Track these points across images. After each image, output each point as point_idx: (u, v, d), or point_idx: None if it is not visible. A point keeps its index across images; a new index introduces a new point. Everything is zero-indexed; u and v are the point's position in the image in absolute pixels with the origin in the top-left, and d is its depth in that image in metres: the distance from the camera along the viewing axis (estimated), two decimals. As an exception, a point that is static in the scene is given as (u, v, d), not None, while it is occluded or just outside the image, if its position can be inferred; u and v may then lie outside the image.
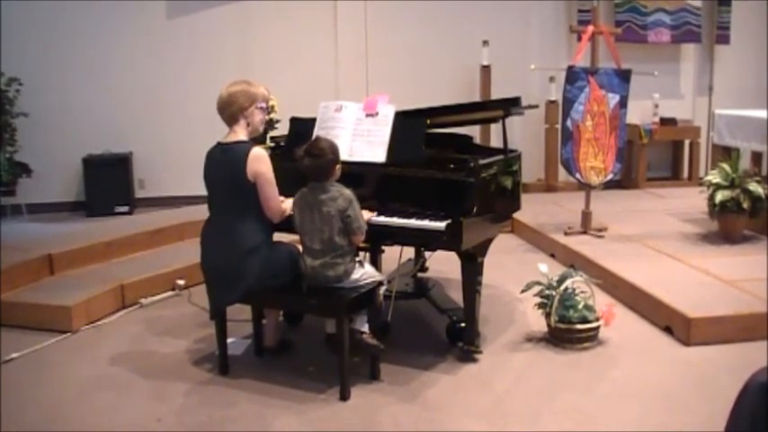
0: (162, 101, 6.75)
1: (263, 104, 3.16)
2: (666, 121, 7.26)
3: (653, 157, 7.44)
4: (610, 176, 5.21)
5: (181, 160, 6.58)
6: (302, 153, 2.95)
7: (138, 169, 6.81)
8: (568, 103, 5.07)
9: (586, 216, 5.28)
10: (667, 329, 3.61)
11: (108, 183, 6.46)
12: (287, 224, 3.11)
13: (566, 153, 5.15)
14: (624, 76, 5.08)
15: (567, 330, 3.43)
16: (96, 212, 6.38)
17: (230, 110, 3.07)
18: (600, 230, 5.23)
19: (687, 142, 7.43)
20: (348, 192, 2.95)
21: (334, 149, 2.99)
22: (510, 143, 3.58)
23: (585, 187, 5.29)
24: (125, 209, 6.52)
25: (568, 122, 5.10)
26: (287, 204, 3.11)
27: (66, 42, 6.52)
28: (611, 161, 5.15)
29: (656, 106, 7.14)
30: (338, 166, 3.00)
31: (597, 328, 3.47)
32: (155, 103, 6.75)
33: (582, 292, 3.55)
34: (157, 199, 6.73)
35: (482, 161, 3.22)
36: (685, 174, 7.47)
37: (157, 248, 4.92)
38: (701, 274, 4.13)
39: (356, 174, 3.24)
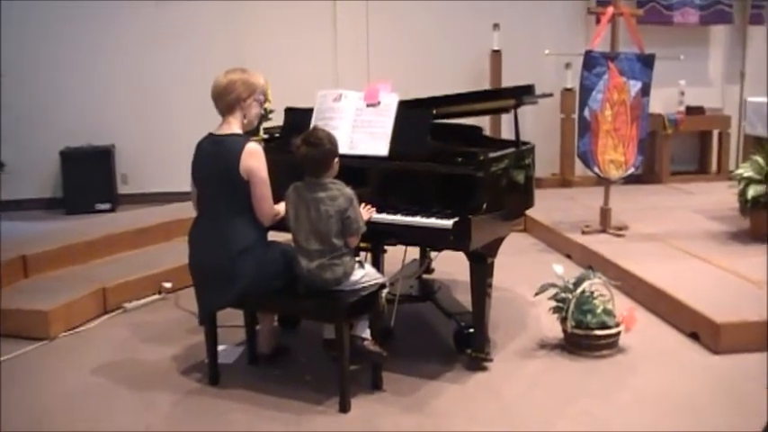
0: (147, 89, 6.78)
1: (262, 97, 3.19)
2: (693, 110, 7.25)
3: (678, 150, 7.44)
4: (631, 170, 5.22)
5: (167, 153, 6.61)
6: (299, 142, 2.97)
7: (121, 163, 6.84)
8: (586, 91, 5.08)
9: (605, 213, 5.30)
10: (693, 336, 3.63)
11: (88, 178, 6.50)
12: (281, 222, 3.13)
13: (583, 145, 5.16)
14: (647, 61, 5.08)
15: (584, 336, 3.45)
16: (75, 210, 6.42)
17: (227, 99, 3.09)
18: (620, 229, 5.25)
19: (716, 133, 7.43)
20: (349, 191, 2.98)
21: (333, 141, 3.01)
22: (522, 135, 3.60)
23: (604, 182, 5.30)
24: (107, 206, 6.55)
25: (586, 112, 5.11)
26: (281, 207, 3.12)
27: (43, 29, 6.54)
28: (632, 154, 5.17)
29: (682, 94, 7.12)
30: (337, 160, 3.02)
31: (617, 335, 3.49)
32: (139, 91, 6.77)
33: (600, 295, 3.56)
34: (142, 195, 6.77)
35: (492, 154, 3.25)
36: (713, 167, 7.47)
37: (142, 249, 4.95)
38: (729, 275, 4.14)
39: (356, 168, 3.26)
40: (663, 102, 7.07)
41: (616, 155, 5.16)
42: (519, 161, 3.53)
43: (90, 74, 6.67)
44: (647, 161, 6.39)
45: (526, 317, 3.99)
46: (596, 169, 5.20)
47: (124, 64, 6.71)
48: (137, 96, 6.77)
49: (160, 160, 6.74)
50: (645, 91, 5.10)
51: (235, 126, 3.11)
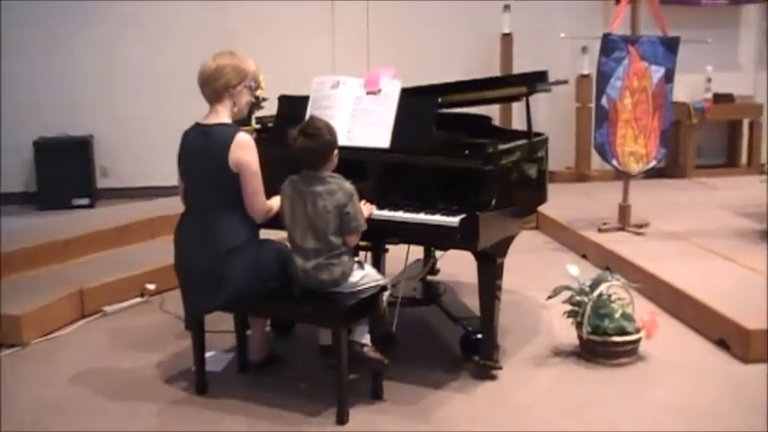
0: (128, 74, 6.79)
1: (253, 84, 3.20)
2: (721, 98, 7.25)
3: (704, 141, 7.46)
4: (652, 163, 5.24)
5: (151, 144, 6.64)
6: (296, 133, 2.99)
7: (100, 155, 6.85)
8: (604, 77, 5.10)
9: (624, 210, 5.32)
10: (721, 343, 3.63)
11: (64, 171, 6.51)
12: (275, 219, 3.15)
13: (600, 136, 5.18)
14: (671, 45, 5.09)
15: (601, 343, 3.46)
16: (50, 205, 6.44)
17: (215, 85, 3.10)
18: (640, 227, 5.27)
19: (746, 122, 7.44)
20: (349, 185, 3.00)
21: (332, 131, 3.03)
22: (535, 125, 3.62)
23: (623, 176, 5.32)
24: (85, 201, 6.57)
25: (604, 100, 5.13)
26: (274, 202, 3.14)
27: (16, 11, 6.53)
28: (653, 145, 5.18)
29: (709, 80, 7.13)
30: (336, 153, 3.04)
31: (637, 341, 3.50)
32: (120, 77, 6.78)
33: (619, 298, 3.58)
34: (123, 190, 6.79)
35: (502, 146, 3.26)
36: (743, 160, 7.49)
37: (123, 247, 4.98)
38: (760, 277, 4.15)
39: (356, 161, 3.28)
40: (688, 89, 7.07)
41: (636, 147, 5.17)
42: (531, 154, 3.55)
43: (66, 58, 6.68)
44: (670, 153, 6.43)
45: (538, 322, 4.02)
46: (615, 162, 5.21)
47: (103, 47, 6.72)
48: (117, 82, 6.78)
49: (143, 152, 6.76)
50: (668, 77, 5.11)
51: (223, 115, 3.12)
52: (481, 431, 2.94)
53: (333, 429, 2.96)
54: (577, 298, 3.57)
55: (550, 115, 6.82)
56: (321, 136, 2.98)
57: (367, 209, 3.15)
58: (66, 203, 6.46)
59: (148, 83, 6.79)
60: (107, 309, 4.25)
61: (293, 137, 2.99)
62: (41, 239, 4.70)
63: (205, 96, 3.15)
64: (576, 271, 3.66)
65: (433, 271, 4.43)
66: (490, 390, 3.26)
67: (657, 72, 5.10)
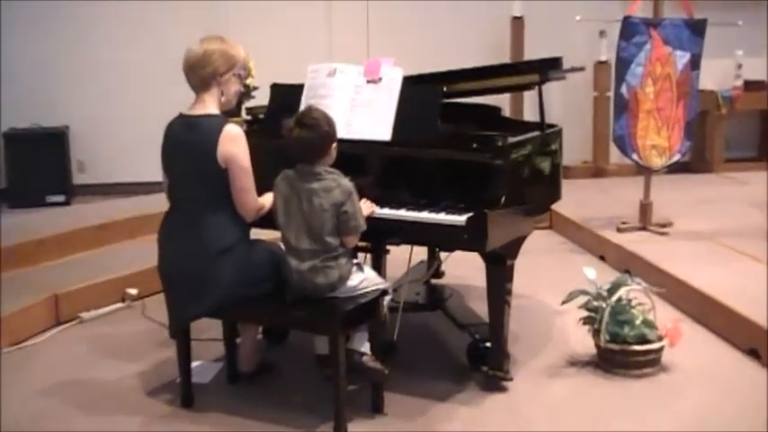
0: (107, 60, 6.78)
1: (243, 72, 3.22)
2: (753, 86, 7.24)
3: (733, 133, 7.46)
4: (676, 157, 5.25)
5: (131, 137, 6.65)
6: (292, 123, 3.00)
7: (77, 148, 6.86)
8: (624, 64, 5.11)
9: (646, 208, 5.33)
10: (752, 353, 3.64)
11: (37, 165, 6.52)
12: (267, 218, 3.17)
13: (619, 128, 5.19)
14: (697, 28, 5.09)
15: (620, 352, 3.48)
16: (22, 203, 6.44)
17: (202, 72, 3.11)
18: (663, 226, 5.28)
19: (780, 112, 7.45)
20: (347, 182, 3.01)
21: (331, 123, 3.05)
22: (548, 116, 3.63)
23: (644, 171, 5.33)
24: (60, 198, 6.58)
25: (623, 89, 5.14)
26: (266, 199, 3.16)
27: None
28: (677, 138, 5.19)
29: (740, 66, 7.12)
30: (334, 146, 3.06)
31: (660, 350, 3.51)
32: (98, 63, 6.78)
33: (640, 303, 3.59)
34: (101, 186, 6.80)
35: (512, 139, 3.28)
36: (776, 153, 7.49)
37: (102, 248, 4.99)
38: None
39: (354, 155, 3.29)
40: (716, 76, 7.06)
41: (659, 139, 5.18)
42: (544, 147, 3.56)
43: (39, 43, 6.67)
44: (695, 146, 6.41)
45: (552, 329, 4.03)
46: (635, 156, 5.22)
47: (79, 32, 6.72)
48: (95, 69, 6.78)
49: (123, 145, 6.76)
50: (694, 63, 5.11)
51: (210, 105, 3.14)
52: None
53: (330, 445, 2.98)
54: (594, 303, 3.58)
55: (565, 105, 6.82)
56: (319, 127, 2.99)
57: (367, 207, 3.16)
58: (39, 201, 6.46)
59: (130, 69, 6.79)
60: (84, 315, 4.26)
61: (289, 128, 3.00)
62: (12, 240, 4.70)
63: (191, 84, 3.16)
64: (593, 274, 3.66)
65: (438, 274, 4.44)
66: (499, 402, 3.27)
67: (682, 58, 5.10)
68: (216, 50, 3.11)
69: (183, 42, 3.22)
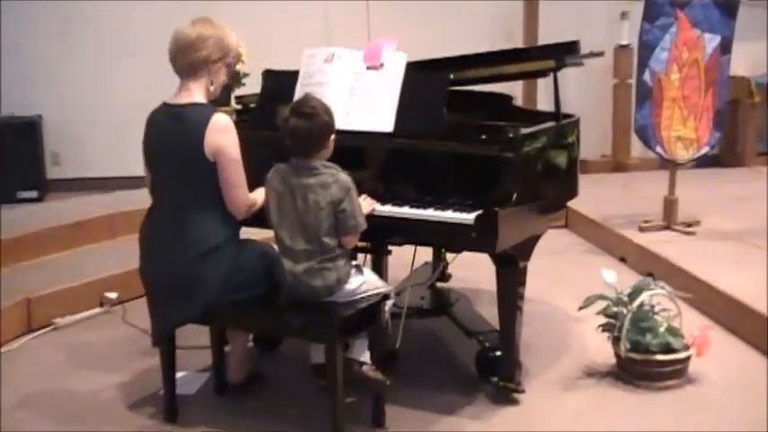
0: (84, 46, 6.79)
1: (232, 62, 3.24)
2: (788, 72, 7.24)
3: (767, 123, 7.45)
4: (704, 150, 5.25)
5: (110, 127, 6.66)
6: (288, 113, 3.01)
7: (51, 139, 6.86)
8: (647, 48, 5.11)
9: (670, 205, 5.34)
10: (786, 362, 3.67)
11: (8, 158, 6.51)
12: (258, 215, 3.18)
13: (642, 118, 5.20)
14: (728, 8, 5.08)
15: (642, 362, 3.48)
16: (-8, 199, 6.45)
17: (194, 57, 3.11)
18: (689, 225, 5.29)
19: (820, 101, 7.42)
20: (345, 177, 3.01)
21: (329, 112, 3.05)
22: (564, 105, 3.64)
23: (669, 165, 5.34)
24: (33, 194, 6.58)
25: (647, 75, 5.15)
26: (257, 196, 3.17)
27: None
28: (705, 128, 5.19)
29: (775, 51, 7.13)
30: (332, 137, 3.07)
31: (686, 360, 3.52)
32: (73, 48, 6.78)
33: (664, 309, 3.60)
34: (78, 181, 6.80)
35: (525, 130, 3.28)
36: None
37: (79, 249, 5.01)
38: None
39: (353, 148, 3.30)
40: (748, 61, 7.05)
41: (685, 130, 5.19)
42: (559, 139, 3.57)
43: (11, 29, 6.66)
44: (725, 138, 6.42)
45: (568, 336, 4.05)
46: (659, 149, 5.23)
47: (53, 14, 6.71)
48: (71, 53, 6.78)
49: (102, 135, 6.77)
50: (725, 47, 5.11)
51: (197, 93, 3.14)
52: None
53: (326, 462, 3.00)
54: (614, 309, 3.59)
55: (583, 93, 6.83)
56: (317, 117, 3.00)
57: (367, 204, 3.17)
58: (9, 196, 6.45)
59: (110, 53, 6.78)
60: (59, 321, 4.28)
61: (284, 117, 3.01)
62: (-19, 240, 4.71)
63: (177, 69, 3.16)
64: (613, 277, 3.67)
65: (444, 277, 4.44)
66: (511, 417, 3.28)
67: (712, 41, 5.09)
68: (211, 36, 3.12)
69: (170, 24, 3.23)
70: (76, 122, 6.86)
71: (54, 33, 6.75)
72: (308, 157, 3.02)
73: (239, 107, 4.08)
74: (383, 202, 3.25)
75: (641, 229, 5.27)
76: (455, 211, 3.13)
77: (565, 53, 3.53)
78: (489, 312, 3.76)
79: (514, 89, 5.78)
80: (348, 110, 3.42)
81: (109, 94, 6.78)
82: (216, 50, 3.13)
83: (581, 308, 3.69)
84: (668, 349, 3.47)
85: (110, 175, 6.62)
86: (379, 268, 3.46)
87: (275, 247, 3.16)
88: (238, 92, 4.88)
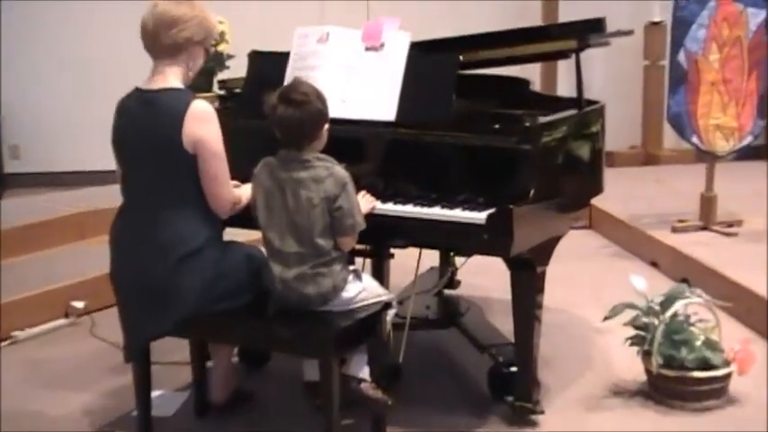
0: (46, 30, 6.79)
1: (210, 46, 3.25)
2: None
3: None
4: (747, 140, 5.25)
5: (77, 116, 6.66)
6: (276, 99, 3.01)
7: (10, 131, 6.86)
8: (682, 25, 5.12)
9: (708, 202, 5.34)
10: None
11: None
12: (245, 214, 3.18)
13: (676, 104, 5.20)
14: (774, -21, 5.10)
15: (677, 380, 3.48)
16: (-56, 197, 6.47)
17: (175, 37, 3.10)
18: (729, 225, 5.29)
19: None
20: (341, 171, 3.02)
21: (323, 99, 3.06)
22: (588, 90, 3.66)
23: (707, 158, 5.35)
24: (-11, 191, 6.60)
25: (681, 56, 5.15)
26: (243, 192, 3.18)
27: None
28: (748, 117, 5.19)
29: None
30: (327, 128, 3.08)
31: (726, 378, 3.51)
32: (34, 33, 6.79)
33: (701, 320, 3.60)
34: (41, 175, 6.81)
35: (544, 119, 3.30)
36: None
37: (41, 252, 5.01)
38: None
39: (350, 139, 3.32)
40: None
41: (725, 118, 5.19)
42: (582, 128, 3.59)
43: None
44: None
45: (592, 350, 4.06)
46: (695, 139, 5.23)
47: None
48: (31, 39, 6.78)
49: (67, 126, 6.78)
50: (771, 24, 5.13)
51: (173, 77, 3.15)
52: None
53: (321, 492, 3.01)
54: (644, 319, 3.59)
55: (609, 77, 6.84)
56: (309, 104, 3.01)
57: (366, 202, 3.18)
58: (-36, 194, 6.49)
59: (75, 37, 6.79)
60: (19, 334, 4.29)
61: (272, 105, 3.02)
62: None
63: (154, 49, 3.15)
64: (643, 284, 3.67)
65: (452, 283, 4.46)
66: (528, 440, 3.31)
67: (756, 16, 5.09)
68: (194, 16, 3.13)
69: (137, 9, 3.22)
70: (38, 112, 6.86)
71: (12, 19, 6.74)
72: (299, 148, 3.03)
73: (222, 93, 4.09)
74: (384, 199, 3.26)
75: (675, 230, 5.28)
76: (465, 209, 3.14)
77: (589, 31, 3.54)
78: (503, 323, 3.77)
79: (532, 73, 5.79)
80: (345, 96, 3.43)
81: (75, 80, 6.78)
82: (199, 32, 3.15)
83: (606, 318, 3.69)
84: (706, 365, 3.47)
85: (76, 169, 6.62)
86: (380, 274, 3.48)
87: (263, 249, 3.17)
88: (221, 75, 4.89)
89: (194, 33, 3.14)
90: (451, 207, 3.16)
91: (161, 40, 3.13)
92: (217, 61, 5.27)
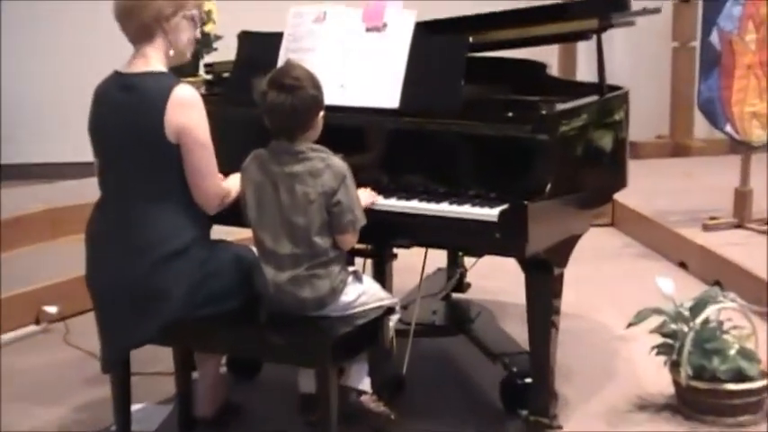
0: (20, 18, 6.81)
1: (196, 13, 3.23)
2: None
3: None
4: (786, 130, 5.26)
5: (49, 104, 6.67)
6: (266, 86, 3.02)
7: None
8: (715, 2, 5.11)
9: (742, 198, 5.34)
10: None
11: None
12: (234, 210, 3.19)
13: (707, 90, 5.20)
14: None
15: (708, 392, 3.48)
16: None
17: (142, 16, 3.10)
18: (766, 222, 5.29)
19: None
20: (339, 162, 3.03)
21: (317, 84, 3.06)
22: (610, 75, 3.66)
23: (741, 148, 5.35)
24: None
25: (714, 36, 5.14)
26: (232, 184, 3.19)
27: None
28: (788, 103, 5.20)
29: None
30: (321, 116, 3.09)
31: (763, 390, 3.51)
32: (9, 21, 6.81)
33: (735, 327, 3.60)
34: (8, 168, 6.81)
35: (562, 106, 3.30)
36: None
37: (10, 253, 5.01)
38: None
39: (350, 128, 3.33)
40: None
41: (762, 105, 5.18)
42: (604, 116, 3.59)
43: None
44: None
45: (615, 360, 4.07)
46: (729, 128, 5.23)
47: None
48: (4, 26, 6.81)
49: (37, 113, 6.78)
50: (814, 2, 5.13)
51: (155, 60, 3.15)
52: None
53: None
54: (673, 326, 3.60)
55: (634, 60, 6.84)
56: (303, 90, 3.01)
57: (367, 197, 3.19)
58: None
59: (44, 21, 6.80)
60: (-13, 342, 4.31)
61: (262, 91, 3.02)
62: None
63: (128, 34, 3.16)
64: (671, 287, 3.68)
65: (462, 286, 4.47)
66: (544, 458, 3.32)
67: (799, -9, 5.11)
68: None
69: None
70: (6, 101, 6.86)
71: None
72: (291, 139, 3.04)
73: (209, 77, 4.10)
74: (387, 194, 3.26)
75: (706, 228, 5.28)
76: (475, 205, 3.14)
77: (611, 9, 3.54)
78: (517, 330, 3.78)
79: (549, 55, 5.79)
80: (343, 81, 3.43)
81: (46, 66, 6.78)
82: (168, 4, 3.12)
83: (630, 325, 3.70)
84: (740, 377, 3.46)
85: (48, 161, 6.62)
86: (382, 276, 3.49)
87: (254, 249, 3.18)
88: (208, 58, 4.89)
89: (162, 7, 3.12)
90: (460, 203, 3.17)
91: (130, 24, 3.13)
92: (203, 43, 5.27)
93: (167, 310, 3.08)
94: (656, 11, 3.95)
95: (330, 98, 3.14)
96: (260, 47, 3.63)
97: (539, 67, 4.06)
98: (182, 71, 3.27)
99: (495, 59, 3.92)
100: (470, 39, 3.39)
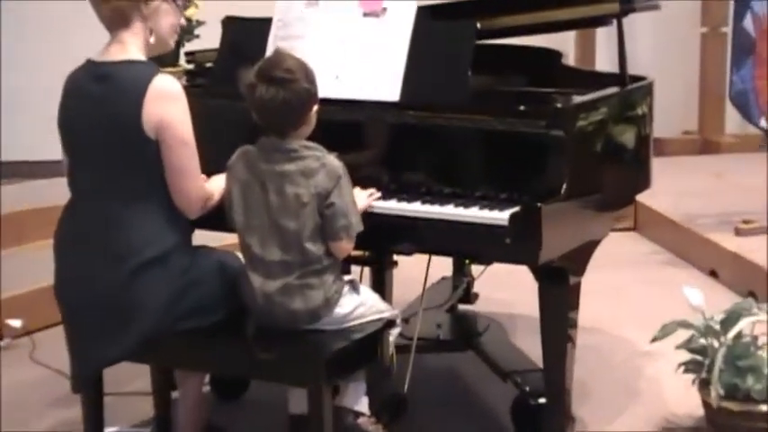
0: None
1: None
2: None
3: None
4: (826, 125, 5.27)
5: (13, 98, 6.68)
6: (254, 77, 3.02)
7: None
8: (747, -14, 5.14)
9: (778, 200, 5.36)
10: None
11: None
12: (218, 214, 3.20)
13: (740, 81, 5.21)
14: None
15: (742, 415, 3.48)
16: None
17: (109, 6, 3.10)
18: (804, 227, 5.31)
19: None
20: (335, 161, 3.03)
21: (310, 76, 3.06)
22: (633, 65, 3.67)
23: (777, 145, 5.36)
24: None
25: (748, 22, 5.14)
26: (216, 186, 3.19)
27: None
28: (827, 96, 5.22)
29: None
30: (315, 110, 3.09)
31: (800, 412, 3.55)
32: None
33: (769, 342, 3.63)
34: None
35: (579, 98, 3.32)
36: None
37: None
38: None
39: (345, 123, 3.34)
40: None
41: (799, 97, 5.21)
42: (626, 110, 3.60)
43: None
44: None
45: (637, 379, 4.08)
46: (763, 122, 5.23)
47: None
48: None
49: (5, 111, 6.80)
50: None
51: (132, 47, 3.14)
52: None
53: None
54: (702, 341, 3.61)
55: (658, 48, 6.84)
56: (295, 83, 3.00)
57: (363, 198, 3.20)
58: None
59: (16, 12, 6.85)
60: (-54, 358, 4.32)
61: (249, 83, 3.03)
62: None
63: (102, 19, 3.16)
64: (700, 298, 3.68)
65: (469, 297, 4.47)
66: (560, 487, 3.33)
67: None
68: None
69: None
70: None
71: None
72: (282, 136, 3.04)
73: (190, 67, 4.10)
74: (386, 195, 3.27)
75: (738, 232, 5.28)
76: (483, 207, 3.14)
77: (633, -7, 3.56)
78: (530, 345, 3.78)
79: (565, 43, 5.80)
80: (338, 72, 3.44)
81: (12, 54, 6.80)
82: None
83: (655, 339, 3.71)
84: (776, 397, 3.50)
85: (12, 158, 6.63)
86: (382, 286, 3.50)
87: (240, 256, 3.19)
88: (189, 46, 4.89)
89: None
90: (467, 205, 3.17)
91: (104, 8, 3.12)
92: (184, 29, 5.27)
93: (145, 324, 3.07)
94: (683, -5, 3.97)
95: (324, 90, 3.14)
96: (246, 34, 3.64)
97: (554, 55, 4.07)
98: (160, 60, 3.24)
99: (505, 47, 3.93)
100: (478, 24, 3.39)
